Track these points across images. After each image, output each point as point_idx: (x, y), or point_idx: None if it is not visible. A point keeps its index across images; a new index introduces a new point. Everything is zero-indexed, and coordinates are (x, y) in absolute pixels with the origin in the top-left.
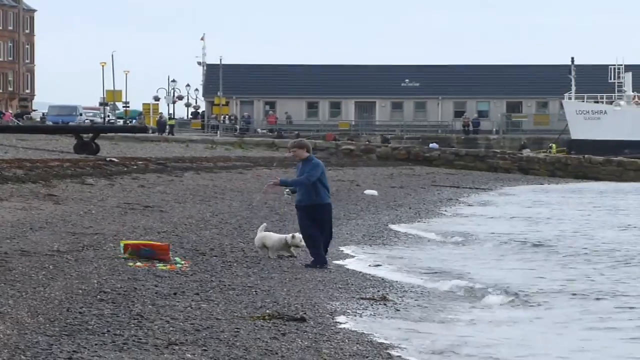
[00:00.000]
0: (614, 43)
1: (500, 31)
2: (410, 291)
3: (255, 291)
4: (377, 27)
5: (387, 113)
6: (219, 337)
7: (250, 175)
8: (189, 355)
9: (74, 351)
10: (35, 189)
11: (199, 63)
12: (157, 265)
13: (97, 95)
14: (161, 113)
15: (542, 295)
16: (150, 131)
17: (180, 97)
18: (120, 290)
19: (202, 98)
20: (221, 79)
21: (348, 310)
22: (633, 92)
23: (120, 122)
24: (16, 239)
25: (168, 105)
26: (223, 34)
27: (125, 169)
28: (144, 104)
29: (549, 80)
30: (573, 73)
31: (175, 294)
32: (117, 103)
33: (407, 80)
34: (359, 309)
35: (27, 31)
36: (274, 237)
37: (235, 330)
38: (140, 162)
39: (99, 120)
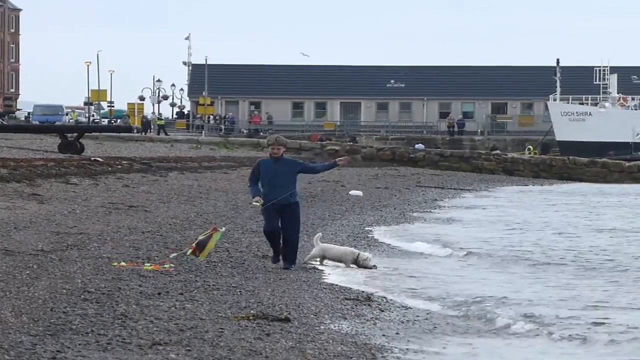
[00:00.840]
0: (599, 45)
1: (486, 32)
2: (395, 291)
3: (240, 291)
4: (363, 28)
5: (373, 114)
6: (203, 337)
7: (235, 175)
8: (173, 356)
9: (57, 351)
10: (20, 188)
11: (184, 63)
12: (143, 265)
13: (82, 94)
14: (151, 113)
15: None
16: (135, 131)
17: (166, 97)
18: (104, 290)
19: (187, 98)
20: (206, 78)
21: (332, 311)
22: (618, 93)
23: (105, 121)
24: (0, 238)
25: (153, 105)
26: (208, 33)
27: (110, 168)
28: (128, 103)
29: (534, 82)
30: (558, 74)
31: (159, 294)
32: (101, 103)
33: (392, 81)
34: (343, 310)
35: (12, 30)
36: (335, 249)
37: (220, 330)
38: (124, 162)
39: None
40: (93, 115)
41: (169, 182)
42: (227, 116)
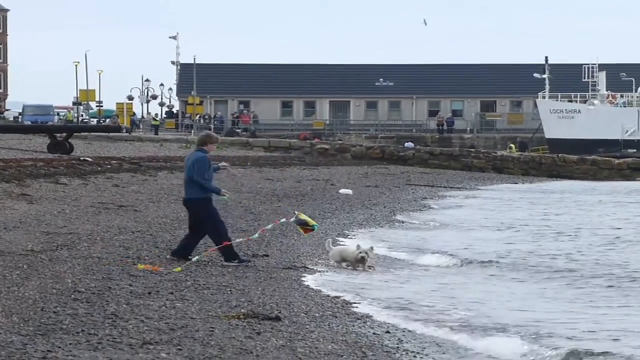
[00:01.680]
0: (588, 43)
1: (475, 30)
2: (385, 287)
3: (230, 290)
4: (352, 27)
5: (362, 112)
6: (194, 336)
7: (225, 174)
8: (164, 355)
9: (48, 351)
10: (9, 188)
11: (173, 62)
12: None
13: (70, 94)
14: (147, 113)
15: None
16: (124, 131)
17: (154, 97)
18: (94, 290)
19: (176, 97)
20: (195, 78)
21: (323, 309)
22: (607, 91)
23: (94, 121)
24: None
25: (142, 104)
26: (197, 33)
27: (99, 168)
28: (117, 103)
29: (523, 80)
30: (547, 72)
31: (149, 293)
32: (90, 102)
33: (381, 79)
34: (334, 308)
35: (0, 31)
36: (350, 250)
37: (210, 329)
38: (114, 162)
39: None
40: (82, 115)
41: (159, 182)
42: (216, 115)
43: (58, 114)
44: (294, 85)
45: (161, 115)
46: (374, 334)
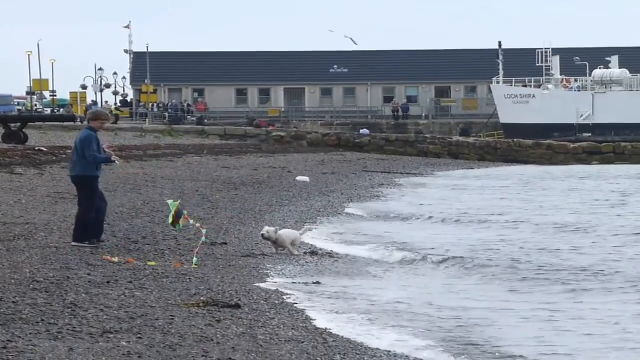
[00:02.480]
0: (541, 27)
1: (428, 16)
2: (342, 274)
3: (189, 278)
4: (305, 13)
5: (317, 99)
6: (154, 325)
7: (181, 162)
8: (124, 343)
9: (8, 340)
10: None
11: (126, 51)
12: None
13: (23, 84)
14: (105, 102)
15: None
16: (78, 120)
17: (108, 85)
18: (53, 279)
19: (130, 86)
20: (148, 66)
21: (282, 296)
22: (561, 75)
23: (48, 111)
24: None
25: (95, 93)
26: (149, 21)
27: (54, 157)
28: (71, 92)
29: (476, 65)
30: (501, 57)
31: (108, 282)
32: (43, 92)
33: (335, 66)
34: (293, 294)
35: None
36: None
37: (170, 317)
38: (69, 151)
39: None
40: (35, 105)
41: (114, 171)
42: (171, 103)
43: (18, 104)
44: (248, 72)
45: (115, 103)
46: (333, 320)
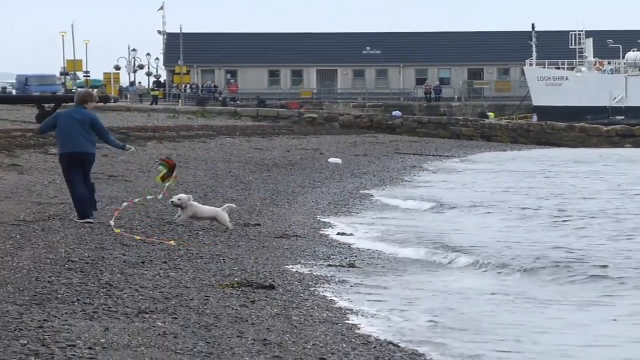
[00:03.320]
0: (574, 9)
1: None
2: (378, 257)
3: (223, 259)
4: None
5: (349, 81)
6: (189, 305)
7: (214, 144)
8: (160, 323)
9: (44, 320)
10: None
11: (159, 32)
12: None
13: (57, 65)
14: (138, 83)
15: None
16: (112, 101)
17: (141, 66)
18: (88, 260)
19: (163, 67)
20: (181, 47)
21: (316, 278)
22: (594, 57)
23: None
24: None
25: (129, 74)
26: (183, 2)
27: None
28: (104, 73)
29: (510, 47)
30: (534, 39)
31: (143, 262)
32: (77, 73)
33: (368, 47)
34: (327, 276)
35: None
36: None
37: (205, 298)
38: None
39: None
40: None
41: (148, 152)
42: (206, 84)
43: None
44: (281, 54)
45: (148, 85)
46: (367, 300)
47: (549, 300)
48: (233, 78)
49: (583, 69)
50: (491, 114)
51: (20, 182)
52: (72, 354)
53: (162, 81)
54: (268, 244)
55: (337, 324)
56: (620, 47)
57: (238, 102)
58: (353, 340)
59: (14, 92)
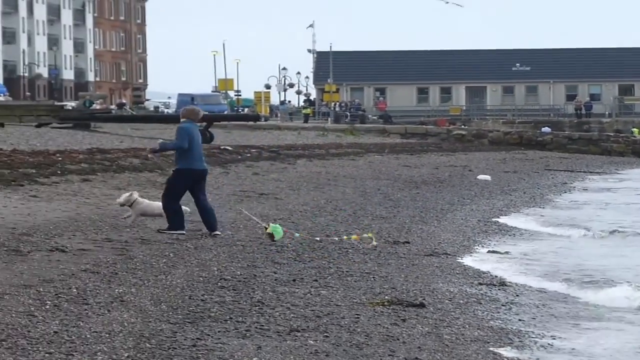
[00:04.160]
0: None
1: (613, 13)
2: (529, 274)
3: (373, 277)
4: (488, 12)
5: (499, 97)
6: (340, 323)
7: (362, 161)
8: (311, 342)
9: (197, 338)
10: (152, 177)
11: (309, 50)
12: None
13: (208, 84)
14: (287, 102)
15: None
16: (263, 119)
17: (291, 85)
18: (240, 278)
19: (313, 85)
20: (331, 66)
21: (467, 296)
22: None
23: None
24: (135, 227)
25: (279, 93)
26: (333, 21)
27: (239, 157)
28: (255, 92)
29: None
30: None
31: (294, 280)
32: (228, 91)
33: (518, 64)
34: (478, 295)
35: (139, 21)
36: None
37: (356, 316)
38: (253, 150)
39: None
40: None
41: (298, 170)
42: (353, 102)
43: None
44: (429, 71)
45: (298, 103)
46: (519, 320)
47: None
48: (382, 96)
49: None
50: (635, 130)
51: None
52: None
53: (312, 99)
54: (418, 262)
55: (488, 342)
56: None
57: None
58: (505, 359)
59: (167, 111)
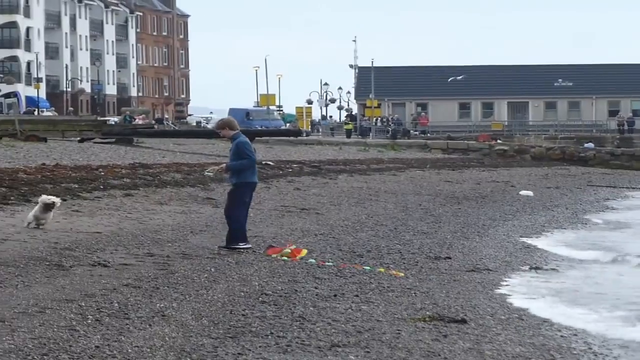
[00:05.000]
0: None
1: None
2: (571, 291)
3: (415, 293)
4: (529, 26)
5: (541, 113)
6: (381, 339)
7: (404, 177)
8: (352, 357)
9: (238, 353)
10: (194, 192)
11: (351, 66)
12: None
13: (250, 99)
14: (329, 117)
15: None
16: (304, 134)
17: (333, 100)
18: (281, 292)
19: (354, 101)
20: (373, 81)
21: (509, 312)
22: None
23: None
24: (177, 242)
25: (320, 108)
26: (374, 36)
27: (281, 172)
28: (297, 107)
29: None
30: None
31: (335, 295)
32: (270, 107)
33: (560, 79)
34: (520, 310)
35: (181, 36)
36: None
37: (397, 331)
38: (294, 165)
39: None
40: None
41: (339, 185)
42: (393, 118)
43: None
44: (471, 86)
45: (339, 118)
46: (561, 336)
47: None
48: (424, 111)
49: None
50: None
51: (214, 216)
52: None
53: (353, 114)
54: (459, 278)
55: (530, 359)
56: None
57: (428, 135)
58: None
59: (208, 126)
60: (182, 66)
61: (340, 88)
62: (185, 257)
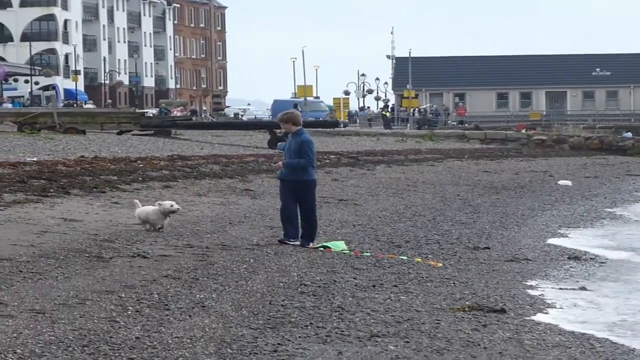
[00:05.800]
0: None
1: None
2: (610, 280)
3: (454, 283)
4: (568, 16)
5: (579, 102)
6: (420, 329)
7: (442, 167)
8: (392, 347)
9: (278, 344)
10: (232, 184)
11: (388, 56)
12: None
13: (287, 90)
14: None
15: None
16: (342, 125)
17: (370, 91)
18: (320, 283)
19: (392, 91)
20: (410, 71)
21: (548, 301)
22: None
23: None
24: (216, 233)
25: (358, 99)
26: (412, 26)
27: (318, 163)
28: (334, 98)
29: None
30: None
31: (374, 286)
32: (308, 98)
33: (598, 69)
34: (559, 299)
35: (219, 28)
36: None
37: (436, 321)
38: (332, 156)
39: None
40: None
41: (377, 176)
42: (432, 108)
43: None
44: (509, 76)
45: (377, 108)
46: (600, 323)
47: None
48: (462, 101)
49: None
50: None
51: (253, 207)
52: None
53: (390, 105)
54: (498, 268)
55: (570, 347)
56: None
57: (466, 125)
58: None
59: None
60: (219, 58)
61: (377, 79)
62: (224, 248)
